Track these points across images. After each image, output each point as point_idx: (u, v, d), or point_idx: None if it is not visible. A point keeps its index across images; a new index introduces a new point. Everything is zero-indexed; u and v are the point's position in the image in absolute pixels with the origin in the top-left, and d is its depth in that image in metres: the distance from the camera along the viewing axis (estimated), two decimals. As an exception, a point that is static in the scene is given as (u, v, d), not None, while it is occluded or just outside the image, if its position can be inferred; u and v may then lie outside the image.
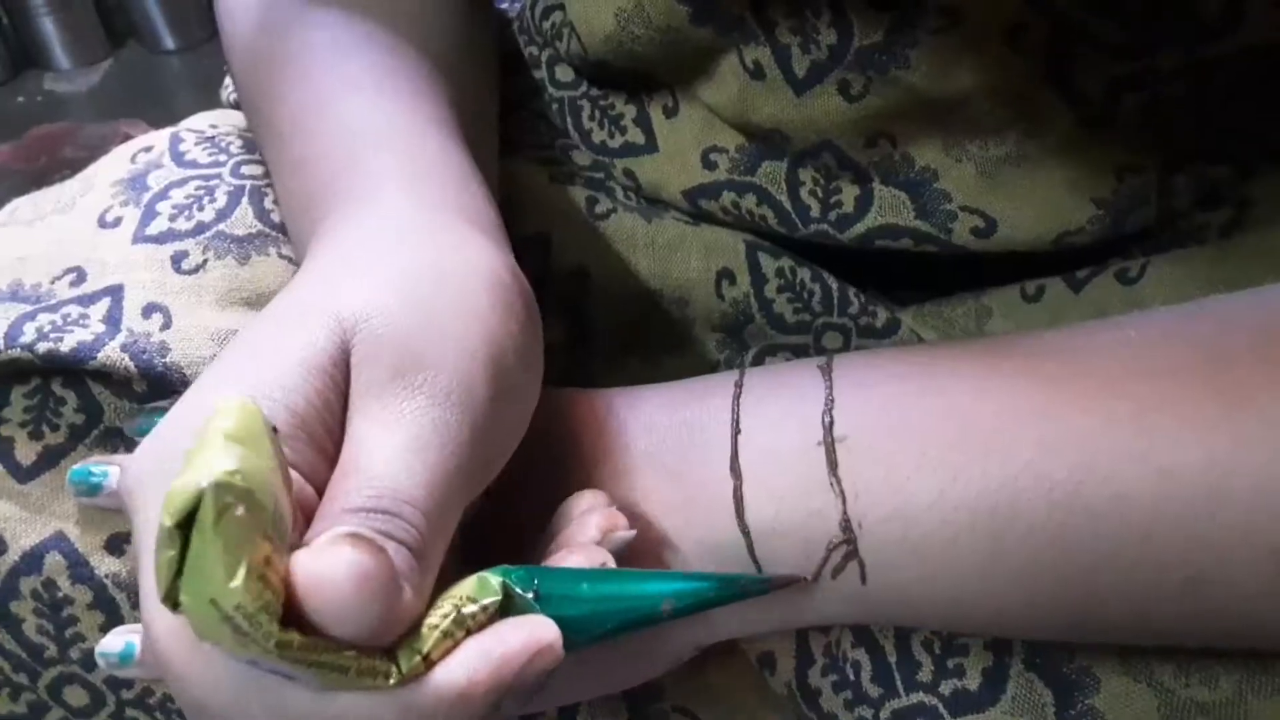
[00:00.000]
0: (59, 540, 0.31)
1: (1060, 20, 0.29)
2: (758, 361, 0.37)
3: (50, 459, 0.31)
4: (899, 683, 0.29)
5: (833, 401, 0.25)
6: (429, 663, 0.19)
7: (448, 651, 0.19)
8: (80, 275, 0.33)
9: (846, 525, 0.24)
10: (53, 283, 0.33)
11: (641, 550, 0.26)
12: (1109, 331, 0.25)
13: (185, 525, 0.16)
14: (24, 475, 0.31)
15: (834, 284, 0.36)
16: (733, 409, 0.26)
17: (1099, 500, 0.23)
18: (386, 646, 0.18)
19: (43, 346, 0.30)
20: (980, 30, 0.30)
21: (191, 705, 0.19)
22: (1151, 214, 0.34)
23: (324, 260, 0.24)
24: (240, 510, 0.16)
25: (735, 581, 0.24)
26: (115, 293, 0.32)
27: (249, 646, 0.16)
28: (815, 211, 0.35)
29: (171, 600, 0.16)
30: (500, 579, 0.20)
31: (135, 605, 0.31)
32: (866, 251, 0.36)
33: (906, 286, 0.39)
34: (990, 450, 0.23)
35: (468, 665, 0.19)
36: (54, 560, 0.31)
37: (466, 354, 0.22)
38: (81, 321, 0.31)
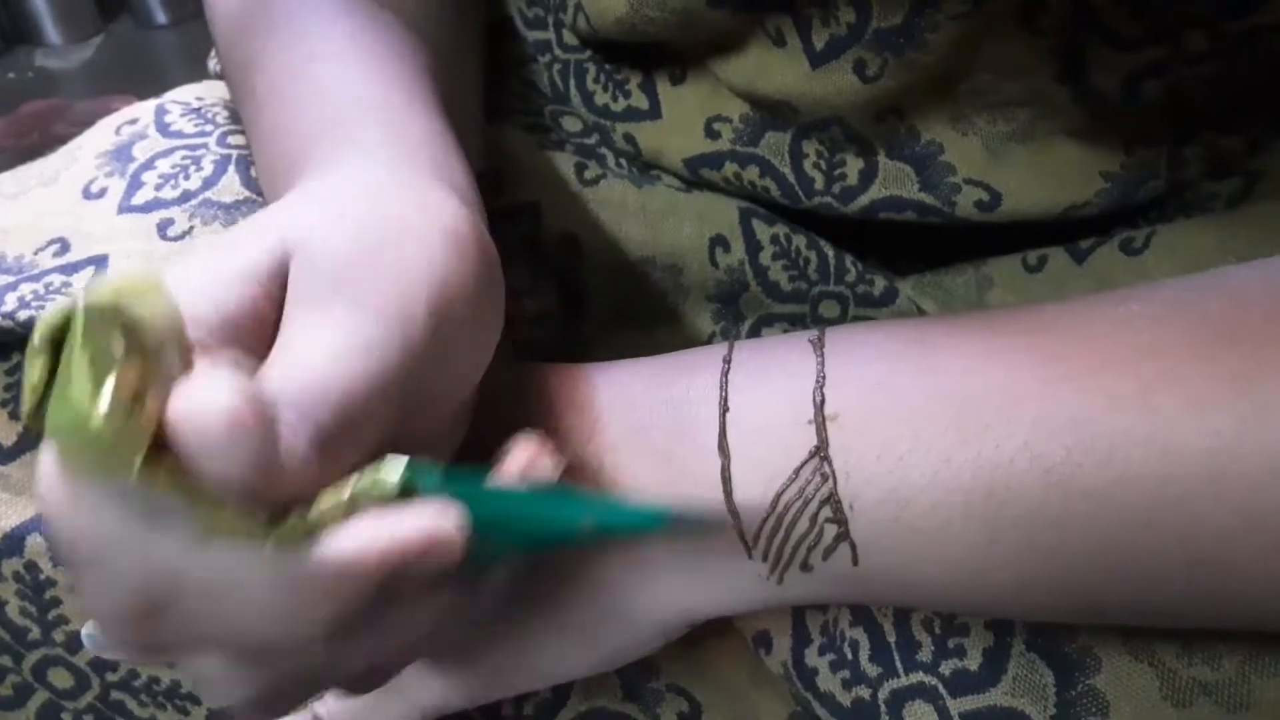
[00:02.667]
0: (40, 522, 0.30)
1: (1079, 5, 0.29)
2: (754, 332, 0.37)
3: (31, 439, 0.31)
4: (898, 662, 0.29)
5: (824, 378, 0.24)
6: (313, 534, 0.17)
7: (337, 522, 0.18)
8: (64, 246, 0.32)
9: (837, 506, 0.24)
10: (35, 254, 0.32)
11: (624, 552, 0.26)
12: (1111, 306, 0.24)
13: (57, 346, 0.15)
14: (4, 456, 0.31)
15: (830, 252, 0.36)
16: (720, 385, 0.26)
17: (1099, 483, 0.22)
18: (268, 512, 0.17)
19: (23, 315, 0.29)
20: (999, 14, 0.29)
21: (67, 547, 0.18)
22: (1161, 186, 0.33)
23: (286, 197, 0.23)
24: (111, 334, 0.15)
25: (666, 511, 0.22)
26: (99, 262, 0.32)
27: (112, 473, 0.15)
28: (819, 184, 0.34)
29: (36, 423, 0.15)
30: (405, 467, 0.19)
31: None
32: (867, 221, 0.35)
33: (906, 255, 0.38)
34: (986, 431, 0.23)
35: (357, 539, 0.18)
36: (35, 542, 0.30)
37: (407, 286, 0.21)
38: (64, 290, 0.30)
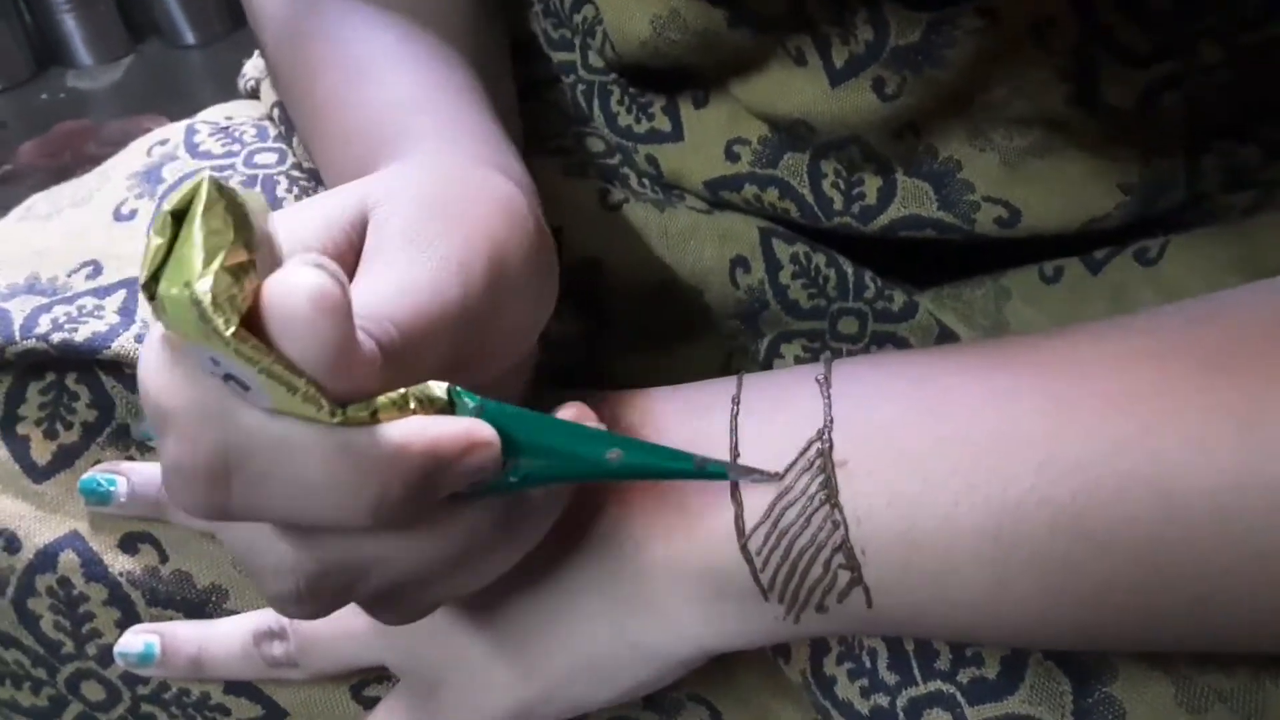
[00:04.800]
0: (73, 539, 0.31)
1: (1090, 23, 0.29)
2: (771, 349, 0.37)
3: (64, 458, 0.31)
4: (916, 671, 0.29)
5: (831, 422, 0.25)
6: (369, 422, 0.19)
7: (393, 418, 0.20)
8: (97, 268, 0.33)
9: (850, 553, 0.24)
10: (69, 275, 0.33)
11: (647, 572, 0.26)
12: (1115, 342, 0.24)
13: (179, 217, 0.17)
14: (39, 475, 0.31)
15: (849, 269, 0.36)
16: (731, 430, 0.26)
17: (1105, 524, 0.22)
18: (338, 398, 0.19)
19: (57, 337, 0.30)
20: (1012, 30, 0.29)
21: (155, 412, 0.19)
22: (1179, 196, 0.33)
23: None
24: (225, 218, 0.17)
25: (690, 458, 0.24)
26: (131, 285, 0.32)
27: (210, 337, 0.17)
28: (838, 204, 0.35)
29: (150, 287, 0.17)
30: (447, 386, 0.21)
31: (150, 603, 0.32)
32: (886, 239, 0.35)
33: (925, 269, 0.38)
34: (993, 475, 0.23)
35: (408, 429, 0.19)
36: (68, 558, 0.31)
37: (469, 243, 0.23)
38: (96, 313, 0.31)
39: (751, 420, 0.26)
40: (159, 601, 0.32)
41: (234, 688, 0.32)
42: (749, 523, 0.25)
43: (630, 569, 0.26)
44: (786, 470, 0.25)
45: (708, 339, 0.37)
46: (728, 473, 0.25)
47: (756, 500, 0.25)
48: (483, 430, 0.21)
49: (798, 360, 0.36)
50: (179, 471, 0.19)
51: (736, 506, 0.25)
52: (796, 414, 0.25)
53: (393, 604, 0.24)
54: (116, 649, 0.31)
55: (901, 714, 0.29)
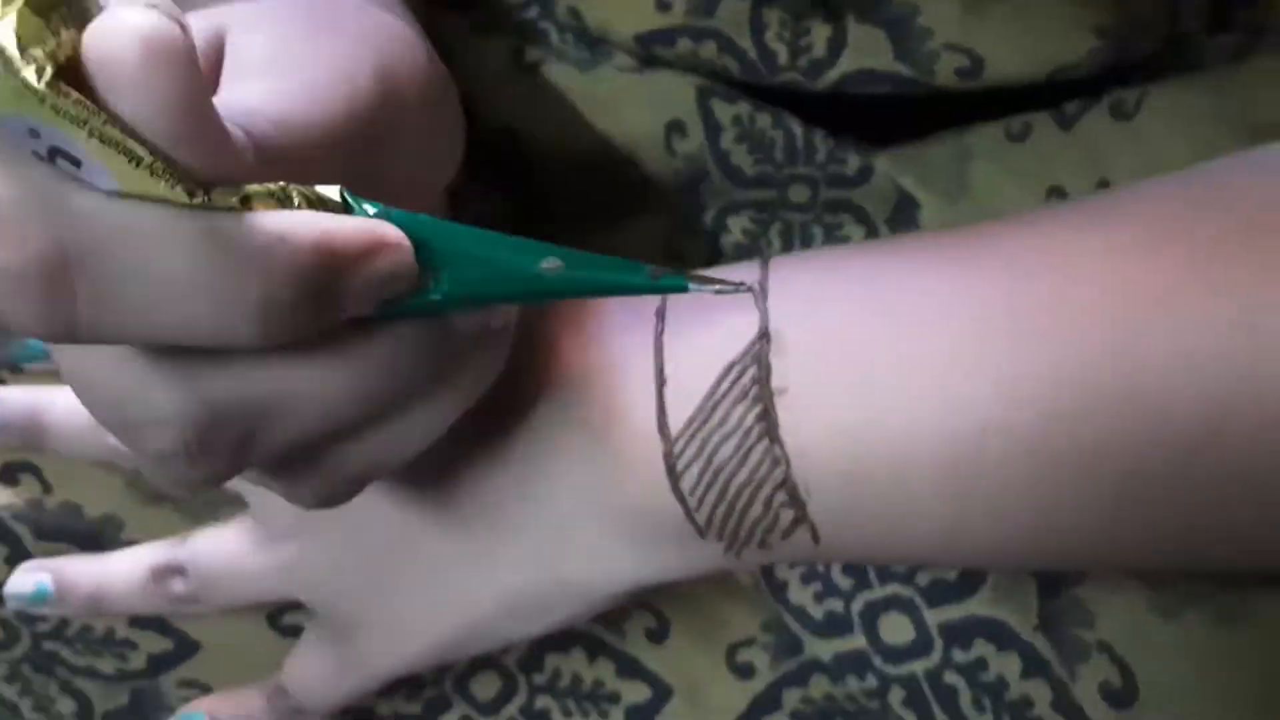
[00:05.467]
0: None
1: None
2: (717, 222, 0.34)
3: None
4: (872, 575, 0.27)
5: (768, 342, 0.22)
6: (245, 206, 0.15)
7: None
8: None
9: (793, 490, 0.22)
10: None
11: (573, 512, 0.24)
12: (1098, 228, 0.21)
13: None
14: None
15: (798, 129, 0.33)
16: (655, 354, 0.23)
17: (1079, 449, 0.20)
18: (189, 184, 0.15)
19: None
20: None
21: None
22: (1159, 39, 0.30)
23: None
24: None
25: (643, 269, 0.20)
26: None
27: (22, 97, 0.13)
28: (783, 58, 0.31)
29: None
30: (339, 188, 0.17)
31: (38, 536, 0.29)
32: (838, 96, 0.32)
33: (878, 130, 0.35)
34: (951, 399, 0.21)
35: (293, 219, 0.16)
36: None
37: (352, 53, 0.20)
38: None
39: (679, 339, 0.23)
40: (47, 535, 0.29)
41: (140, 622, 0.30)
42: (679, 461, 0.22)
43: (553, 508, 0.24)
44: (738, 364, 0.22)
45: (646, 216, 0.34)
46: (687, 284, 0.20)
47: (686, 433, 0.22)
48: (388, 230, 0.17)
49: (745, 234, 0.34)
50: (7, 279, 0.14)
51: (665, 443, 0.22)
52: (729, 333, 0.23)
53: (307, 470, 0.20)
54: (6, 589, 0.28)
55: (857, 618, 0.27)
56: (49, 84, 0.13)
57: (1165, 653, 0.24)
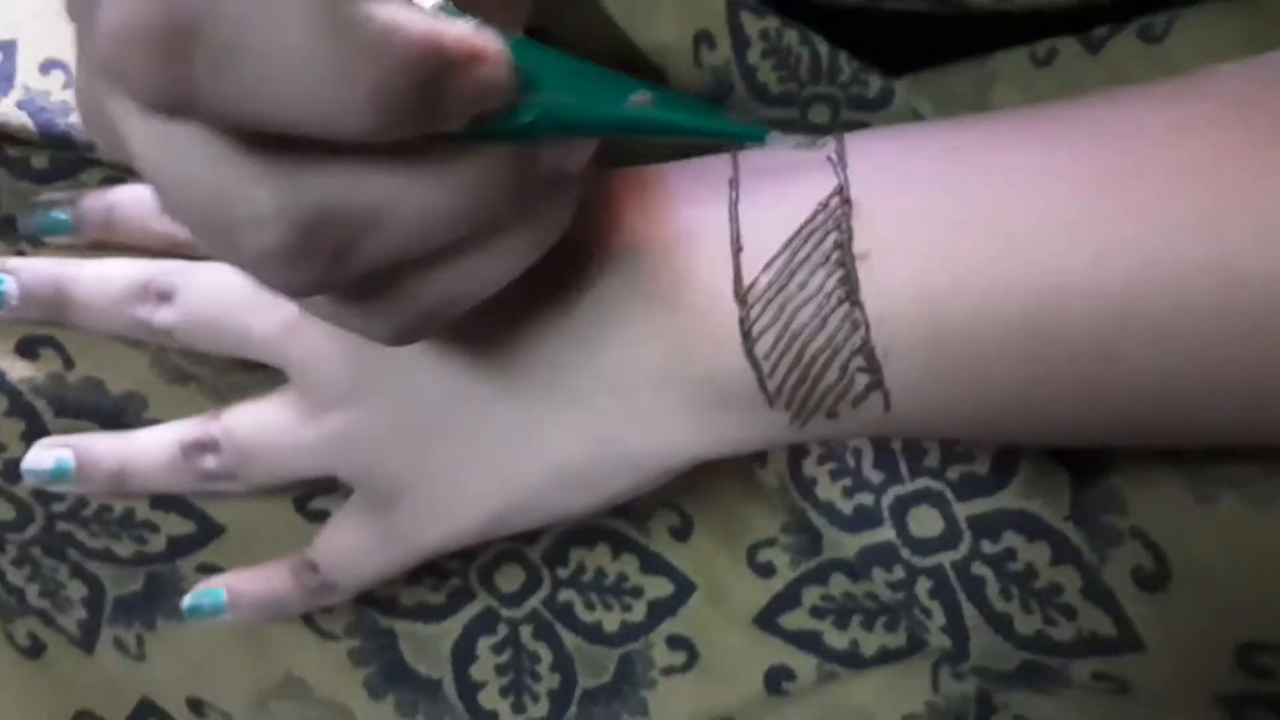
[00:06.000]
0: None
1: None
2: (738, 141, 0.34)
3: None
4: (903, 468, 0.27)
5: (849, 208, 0.22)
6: None
7: None
8: None
9: (870, 355, 0.21)
10: None
11: (634, 380, 0.23)
12: (1171, 105, 0.21)
13: None
14: None
15: (824, 48, 0.32)
16: (731, 221, 0.23)
17: (1156, 314, 0.20)
18: None
19: None
20: None
21: None
22: None
23: None
24: None
25: (729, 119, 0.19)
26: (7, 49, 0.28)
27: None
28: None
29: None
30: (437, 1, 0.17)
31: (59, 413, 0.29)
32: (865, 15, 0.32)
33: (904, 55, 0.35)
34: (1031, 264, 0.21)
35: (404, 13, 0.15)
36: None
37: None
38: None
39: (755, 208, 0.23)
40: (68, 411, 0.28)
41: (162, 502, 0.29)
42: (755, 326, 0.22)
43: (615, 376, 0.24)
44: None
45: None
46: (766, 134, 0.20)
47: (763, 299, 0.22)
48: (489, 40, 0.16)
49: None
50: (126, 36, 0.14)
51: (742, 308, 0.22)
52: (808, 200, 0.22)
53: (391, 295, 0.19)
54: (24, 465, 0.28)
55: (887, 512, 0.27)
56: None
57: (1200, 536, 0.25)
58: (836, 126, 0.33)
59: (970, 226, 0.21)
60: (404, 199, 0.17)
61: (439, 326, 0.21)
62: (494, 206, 0.19)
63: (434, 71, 0.15)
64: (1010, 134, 0.22)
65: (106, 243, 0.28)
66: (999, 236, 0.21)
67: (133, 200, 0.28)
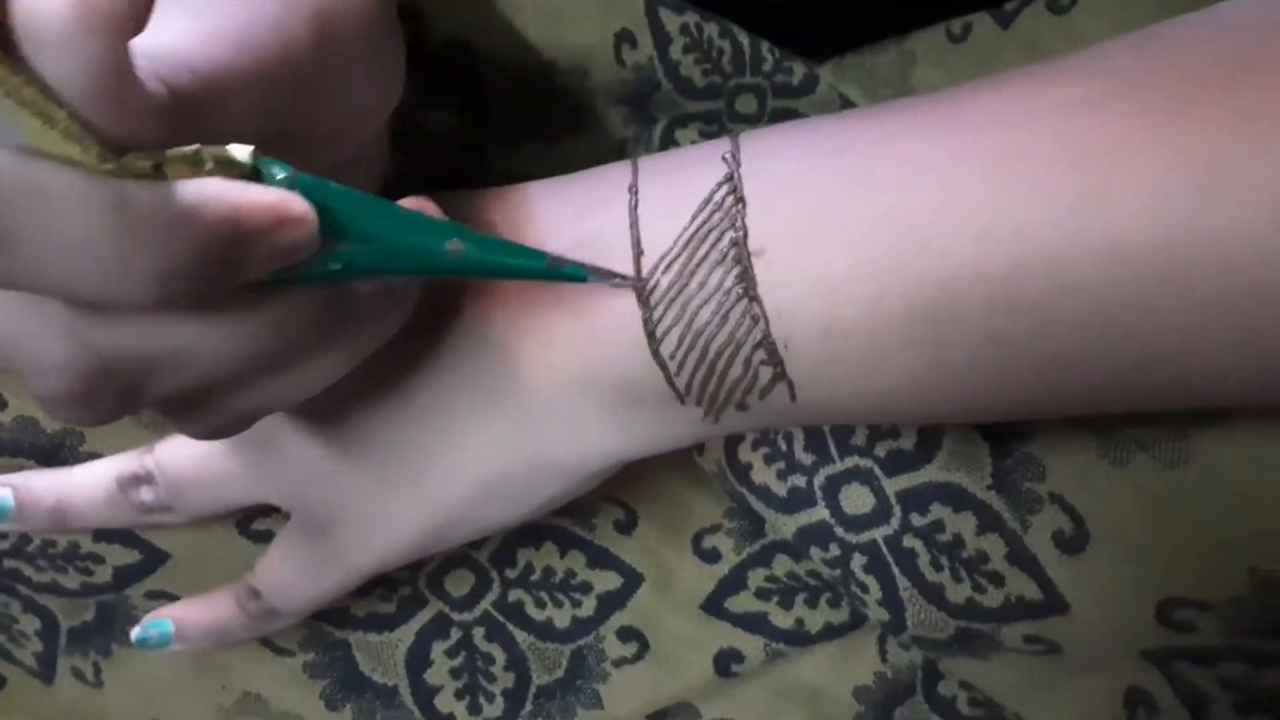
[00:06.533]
0: None
1: None
2: (666, 135, 0.34)
3: None
4: (833, 448, 0.28)
5: (744, 205, 0.22)
6: (149, 177, 0.16)
7: (183, 178, 0.16)
8: None
9: (772, 348, 0.22)
10: None
11: (548, 386, 0.24)
12: (1060, 86, 0.22)
13: None
14: None
15: (744, 39, 0.33)
16: (631, 225, 0.23)
17: (1046, 293, 0.20)
18: (113, 145, 0.15)
19: None
20: None
21: None
22: None
23: None
24: None
25: (542, 256, 0.22)
26: None
27: None
28: None
29: None
30: (251, 149, 0.17)
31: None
32: (785, 3, 0.32)
33: (824, 38, 0.36)
34: (926, 252, 0.21)
35: (204, 189, 0.16)
36: None
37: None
38: None
39: (653, 211, 0.23)
40: (5, 450, 0.29)
41: (106, 534, 0.29)
42: (659, 327, 0.22)
43: (528, 383, 0.24)
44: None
45: (596, 128, 0.34)
46: (586, 275, 0.22)
47: (665, 299, 0.23)
48: (296, 204, 0.17)
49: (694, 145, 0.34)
50: None
51: (644, 310, 0.23)
52: (703, 200, 0.23)
53: (195, 411, 0.20)
54: None
55: (819, 492, 0.28)
56: None
57: (1115, 498, 0.25)
58: (764, 115, 0.34)
59: (865, 218, 0.21)
60: (191, 345, 0.18)
61: (256, 422, 0.21)
62: (294, 340, 0.19)
63: (231, 247, 0.16)
64: (905, 124, 0.22)
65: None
66: (893, 226, 0.21)
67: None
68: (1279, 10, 0.21)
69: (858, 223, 0.21)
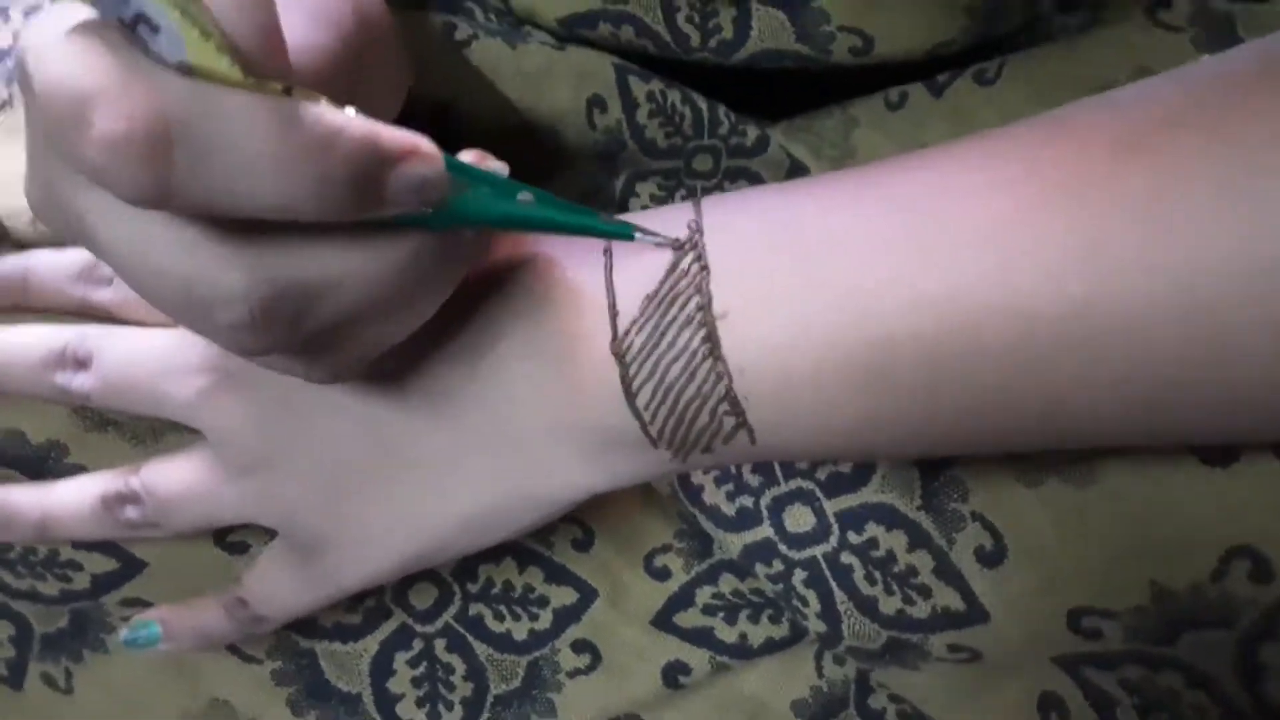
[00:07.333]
0: None
1: None
2: (627, 187, 0.37)
3: None
4: (778, 471, 0.30)
5: (708, 273, 0.25)
6: (289, 96, 0.18)
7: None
8: None
9: (735, 401, 0.24)
10: None
11: (533, 434, 0.26)
12: (972, 169, 0.25)
13: None
14: None
15: (704, 105, 0.36)
16: (608, 289, 0.26)
17: (964, 354, 0.23)
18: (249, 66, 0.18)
19: None
20: None
21: (69, 100, 0.17)
22: (1018, 19, 0.34)
23: None
24: None
25: (595, 215, 0.25)
26: None
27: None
28: (695, 40, 0.34)
29: None
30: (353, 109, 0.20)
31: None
32: (742, 73, 0.35)
33: (779, 100, 0.39)
34: (862, 316, 0.24)
35: (349, 114, 0.19)
36: None
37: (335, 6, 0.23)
38: None
39: (627, 276, 0.26)
40: None
41: (84, 542, 0.30)
42: (634, 382, 0.25)
43: (516, 429, 0.26)
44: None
45: (567, 180, 0.36)
46: (633, 232, 0.25)
47: (639, 358, 0.25)
48: (423, 140, 0.20)
49: (653, 198, 0.36)
50: (116, 148, 0.17)
51: (621, 367, 0.25)
52: (672, 268, 0.25)
53: (331, 347, 0.23)
54: None
55: (765, 512, 0.30)
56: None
57: (1029, 516, 0.28)
58: (719, 172, 0.36)
59: (808, 286, 0.24)
60: (350, 273, 0.21)
61: (367, 363, 0.24)
62: (420, 274, 0.22)
63: (372, 165, 0.19)
64: (839, 199, 0.25)
65: (21, 307, 0.30)
66: (830, 293, 0.24)
67: (47, 265, 0.30)
68: (1166, 96, 0.24)
69: (802, 290, 0.24)
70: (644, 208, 0.36)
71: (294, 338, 0.21)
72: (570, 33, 0.35)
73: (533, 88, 0.34)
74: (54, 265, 0.30)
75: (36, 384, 0.28)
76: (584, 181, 0.37)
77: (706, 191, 0.36)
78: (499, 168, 0.23)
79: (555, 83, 0.34)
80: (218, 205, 0.18)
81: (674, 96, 0.35)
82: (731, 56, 0.34)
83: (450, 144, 0.35)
